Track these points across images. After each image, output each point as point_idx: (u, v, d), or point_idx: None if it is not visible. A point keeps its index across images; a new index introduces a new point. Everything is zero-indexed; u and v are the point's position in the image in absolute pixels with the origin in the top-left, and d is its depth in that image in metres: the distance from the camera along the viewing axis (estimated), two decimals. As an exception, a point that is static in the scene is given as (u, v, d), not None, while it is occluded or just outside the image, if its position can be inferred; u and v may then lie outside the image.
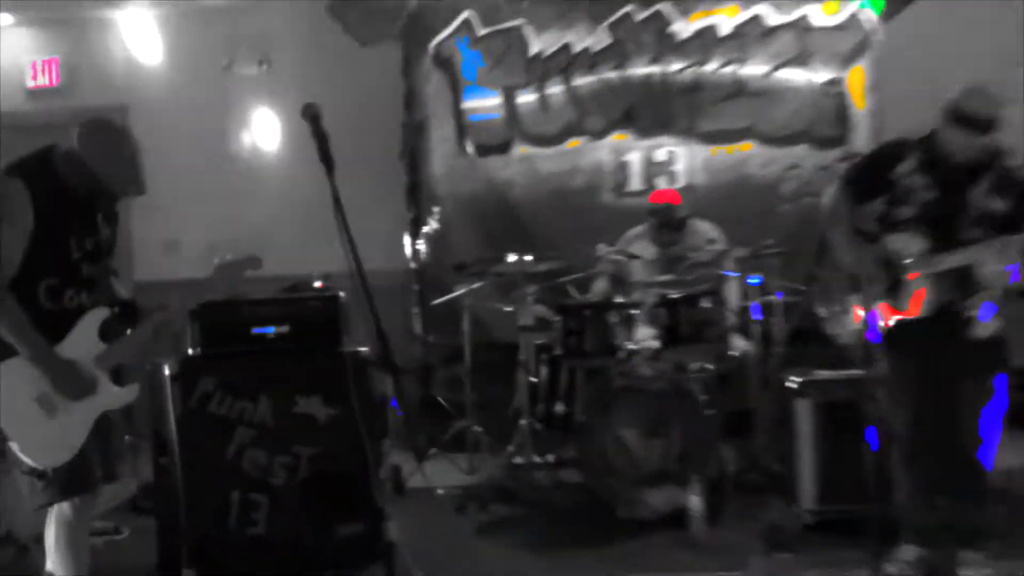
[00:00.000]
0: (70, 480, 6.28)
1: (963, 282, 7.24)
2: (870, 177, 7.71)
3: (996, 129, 7.13)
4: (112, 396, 6.51)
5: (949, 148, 7.27)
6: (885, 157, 7.72)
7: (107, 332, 6.49)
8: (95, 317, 6.45)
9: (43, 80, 14.35)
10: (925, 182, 7.39)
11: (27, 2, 13.15)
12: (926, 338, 7.43)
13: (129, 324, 6.73)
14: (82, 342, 6.38)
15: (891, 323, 7.26)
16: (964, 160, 7.26)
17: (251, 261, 7.04)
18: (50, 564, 6.51)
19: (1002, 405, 7.40)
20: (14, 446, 6.20)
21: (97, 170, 6.42)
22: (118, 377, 6.61)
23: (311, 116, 5.53)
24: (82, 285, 6.47)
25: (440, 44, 13.01)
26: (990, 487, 7.67)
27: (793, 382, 9.04)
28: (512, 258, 10.40)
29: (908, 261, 7.43)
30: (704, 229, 10.82)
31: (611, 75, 13.09)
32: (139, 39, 13.24)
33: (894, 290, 7.50)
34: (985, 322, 7.35)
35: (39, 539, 6.73)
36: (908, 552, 7.58)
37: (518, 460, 10.20)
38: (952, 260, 7.24)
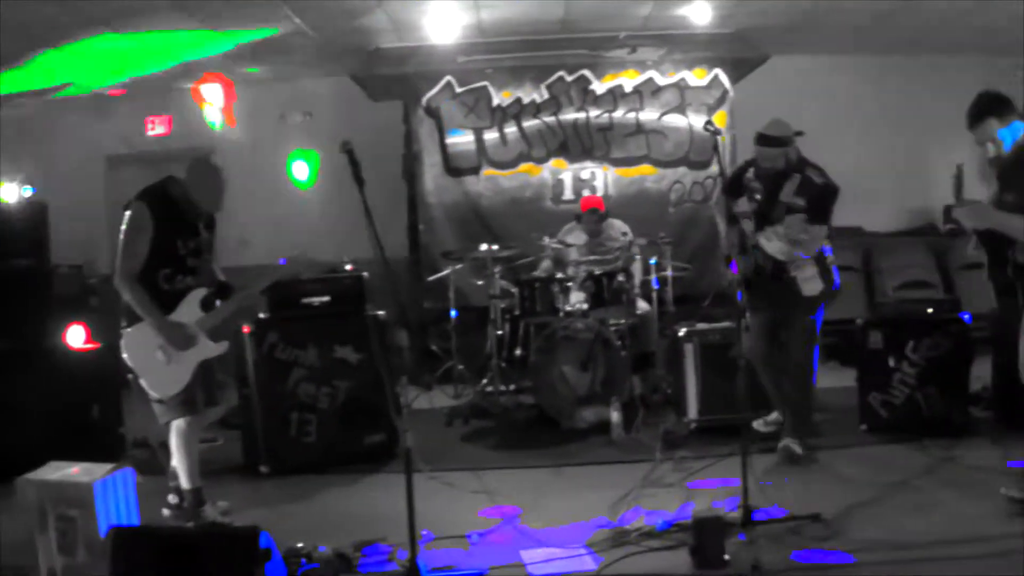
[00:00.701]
0: (182, 404, 6.61)
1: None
2: (732, 185, 7.99)
3: (788, 145, 7.63)
4: (209, 348, 6.77)
5: (762, 161, 7.67)
6: (738, 172, 8.05)
7: (206, 304, 6.78)
8: (197, 294, 6.75)
9: (160, 130, 14.39)
10: (756, 185, 7.74)
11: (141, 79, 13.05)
12: (765, 292, 7.77)
13: (225, 298, 6.98)
14: (187, 311, 6.68)
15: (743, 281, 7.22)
16: (773, 168, 7.63)
17: (313, 264, 7.58)
18: (174, 461, 6.83)
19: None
20: (143, 382, 6.57)
21: (194, 195, 6.74)
22: (215, 336, 6.84)
23: (348, 150, 5.46)
24: (188, 273, 6.73)
25: (429, 99, 12.89)
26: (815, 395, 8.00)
27: (680, 331, 9.05)
28: (483, 247, 10.31)
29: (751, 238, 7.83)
30: (618, 225, 10.79)
31: (550, 119, 13.02)
32: (220, 101, 13.15)
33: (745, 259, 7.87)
34: (804, 281, 7.71)
35: (164, 444, 7.01)
36: (771, 416, 8.32)
37: (490, 389, 10.10)
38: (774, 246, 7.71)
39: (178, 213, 6.67)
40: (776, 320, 7.94)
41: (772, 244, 7.71)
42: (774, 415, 8.39)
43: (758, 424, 8.46)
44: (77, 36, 10.77)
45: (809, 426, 8.08)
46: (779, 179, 7.67)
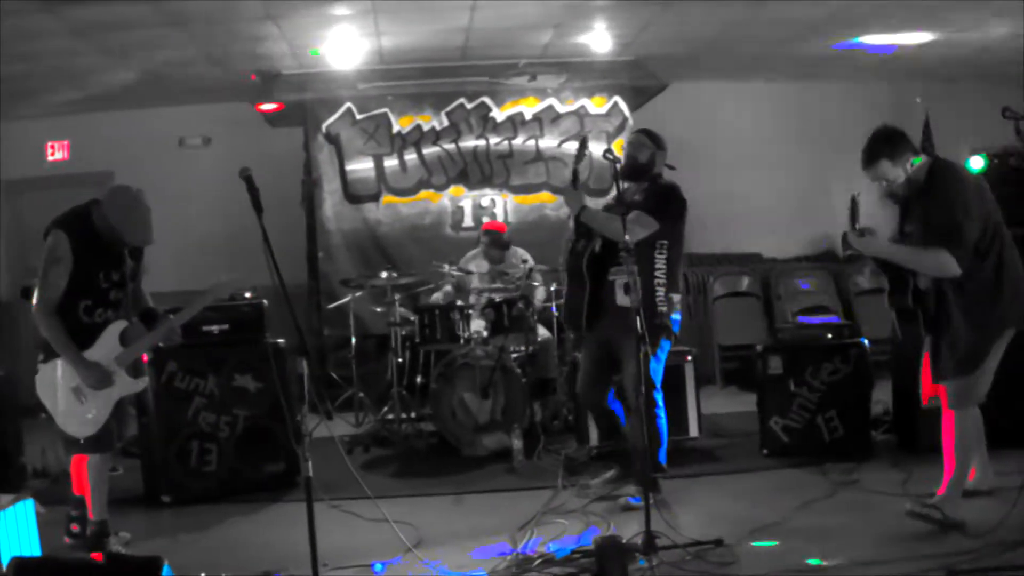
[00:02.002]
0: (96, 443, 6.53)
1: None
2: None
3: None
4: (128, 385, 6.71)
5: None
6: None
7: (125, 338, 6.64)
8: (116, 328, 6.64)
9: (59, 155, 14.23)
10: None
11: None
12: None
13: (150, 325, 6.85)
14: (106, 346, 6.54)
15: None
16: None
17: (238, 281, 7.33)
18: (75, 490, 6.86)
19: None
20: (57, 420, 6.46)
21: (118, 228, 6.52)
22: (136, 371, 6.91)
23: (246, 176, 5.46)
24: (109, 305, 6.63)
25: (329, 125, 12.89)
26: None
27: (579, 358, 8.99)
28: (383, 275, 10.36)
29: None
30: (520, 252, 10.87)
31: (450, 146, 13.10)
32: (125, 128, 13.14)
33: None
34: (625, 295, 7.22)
35: (66, 473, 7.06)
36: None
37: (390, 416, 10.14)
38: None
39: (100, 243, 6.50)
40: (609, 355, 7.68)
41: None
42: (611, 473, 8.02)
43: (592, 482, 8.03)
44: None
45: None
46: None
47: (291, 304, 5.40)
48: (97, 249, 6.47)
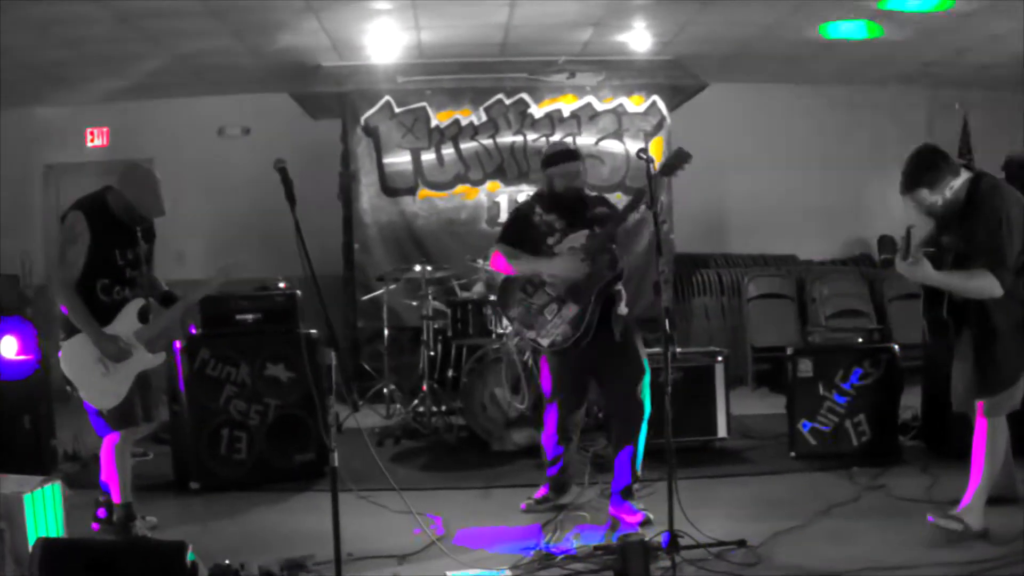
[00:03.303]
0: (120, 417, 6.65)
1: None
2: (515, 230, 7.59)
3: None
4: (146, 360, 6.80)
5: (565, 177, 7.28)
6: (523, 211, 7.64)
7: (143, 315, 6.79)
8: (135, 305, 6.77)
9: (99, 141, 14.49)
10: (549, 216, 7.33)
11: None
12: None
13: (168, 307, 7.04)
14: (125, 323, 6.70)
15: None
16: (571, 187, 7.25)
17: (239, 264, 7.32)
18: (104, 475, 6.87)
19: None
20: (81, 394, 6.59)
21: (133, 201, 6.66)
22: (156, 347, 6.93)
23: (280, 168, 5.53)
24: (126, 284, 6.75)
25: (368, 118, 12.94)
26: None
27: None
28: (417, 268, 10.43)
29: None
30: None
31: (487, 141, 13.14)
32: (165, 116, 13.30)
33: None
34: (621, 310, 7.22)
35: (96, 458, 7.05)
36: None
37: (421, 409, 10.18)
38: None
39: (116, 223, 6.69)
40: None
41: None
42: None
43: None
44: None
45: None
46: (581, 198, 7.33)
47: (321, 295, 5.44)
48: (113, 228, 6.66)
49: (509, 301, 7.37)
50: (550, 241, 7.20)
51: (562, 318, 7.04)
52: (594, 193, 7.56)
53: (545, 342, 7.15)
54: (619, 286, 7.19)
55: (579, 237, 7.07)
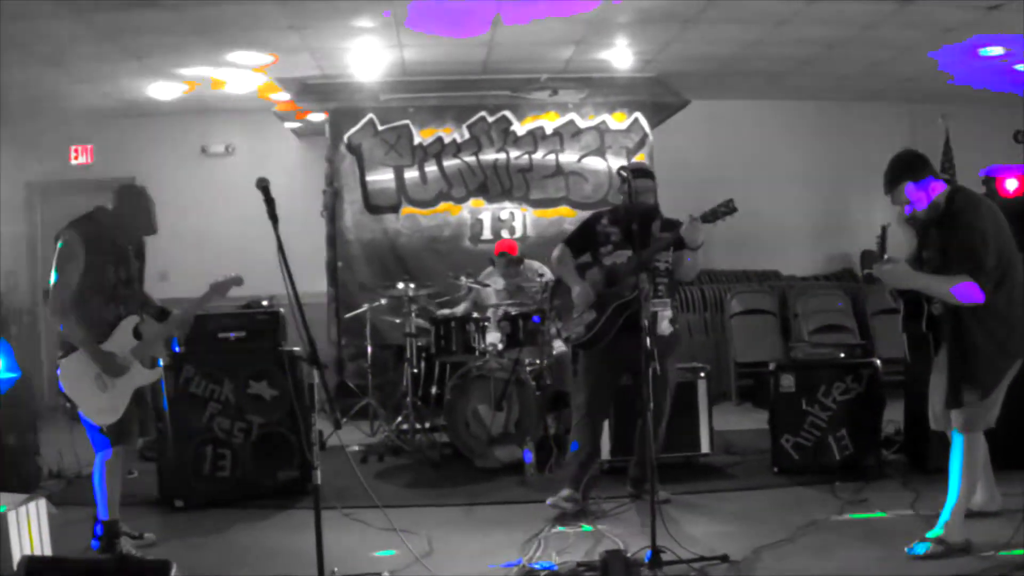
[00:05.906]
0: (119, 433, 6.74)
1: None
2: (581, 238, 8.15)
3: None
4: (143, 375, 6.94)
5: (641, 193, 7.55)
6: (590, 224, 8.15)
7: (137, 332, 6.90)
8: (130, 322, 6.88)
9: (83, 159, 14.46)
10: (614, 229, 7.86)
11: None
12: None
13: (163, 322, 7.18)
14: (121, 340, 6.79)
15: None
16: (644, 204, 7.63)
17: (235, 280, 7.38)
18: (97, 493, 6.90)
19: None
20: (81, 411, 6.68)
21: (126, 220, 6.90)
22: (151, 363, 7.14)
23: (262, 187, 5.55)
24: (119, 302, 6.87)
25: (351, 136, 12.99)
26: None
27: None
28: (400, 286, 10.44)
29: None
30: (535, 266, 10.85)
31: (470, 159, 13.19)
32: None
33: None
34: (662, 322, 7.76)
35: (79, 476, 7.43)
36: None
37: (405, 426, 10.21)
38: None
39: (109, 242, 6.79)
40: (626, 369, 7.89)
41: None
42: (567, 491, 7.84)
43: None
44: None
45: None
46: (649, 215, 7.72)
47: (303, 313, 5.46)
48: (106, 247, 6.77)
49: (559, 291, 8.32)
50: (603, 251, 7.88)
51: (582, 320, 7.80)
52: (673, 218, 7.73)
53: (564, 334, 8.47)
54: (657, 307, 7.71)
55: (623, 255, 7.73)
